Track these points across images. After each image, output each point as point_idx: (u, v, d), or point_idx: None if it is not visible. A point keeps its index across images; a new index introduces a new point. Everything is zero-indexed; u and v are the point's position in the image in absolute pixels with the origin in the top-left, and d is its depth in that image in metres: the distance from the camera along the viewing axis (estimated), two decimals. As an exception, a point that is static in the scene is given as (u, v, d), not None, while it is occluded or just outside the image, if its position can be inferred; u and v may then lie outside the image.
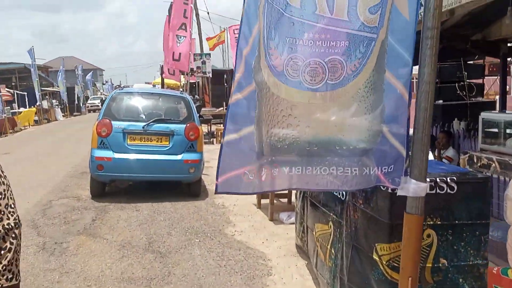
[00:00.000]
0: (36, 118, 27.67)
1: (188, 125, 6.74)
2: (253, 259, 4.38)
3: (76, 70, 40.13)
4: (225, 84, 22.97)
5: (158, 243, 4.90)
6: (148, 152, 6.56)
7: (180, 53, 14.65)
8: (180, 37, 15.19)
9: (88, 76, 45.61)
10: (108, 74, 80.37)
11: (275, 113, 2.04)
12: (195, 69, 21.00)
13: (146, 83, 45.43)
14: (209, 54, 21.12)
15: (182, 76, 21.89)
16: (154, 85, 42.78)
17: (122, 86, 7.13)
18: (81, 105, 39.44)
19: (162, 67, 27.06)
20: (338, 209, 3.24)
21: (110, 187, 7.34)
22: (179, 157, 6.63)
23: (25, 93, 28.68)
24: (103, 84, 63.02)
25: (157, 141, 6.62)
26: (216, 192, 2.17)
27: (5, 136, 19.97)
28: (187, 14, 16.29)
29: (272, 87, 2.04)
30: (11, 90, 27.12)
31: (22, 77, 32.14)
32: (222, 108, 17.65)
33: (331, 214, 3.35)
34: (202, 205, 6.52)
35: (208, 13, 22.66)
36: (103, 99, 46.78)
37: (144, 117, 6.83)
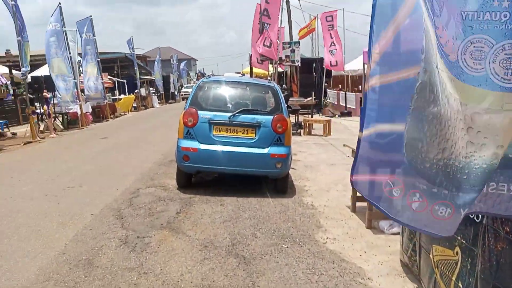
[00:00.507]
0: (135, 104, 29.21)
1: (275, 116, 6.21)
2: (350, 276, 3.73)
3: (171, 59, 41.76)
4: (314, 74, 22.19)
5: (242, 246, 4.45)
6: (233, 144, 6.16)
7: (270, 41, 14.23)
8: (265, 24, 14.74)
9: (183, 65, 47.25)
10: (200, 64, 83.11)
11: (445, 123, 1.33)
12: (283, 58, 20.52)
13: (235, 72, 45.99)
14: (299, 43, 20.43)
15: (270, 65, 21.57)
16: (243, 74, 43.26)
17: (209, 74, 6.85)
18: (176, 93, 41.01)
19: (250, 56, 27.02)
20: (470, 233, 2.47)
21: (196, 177, 7.10)
22: (265, 150, 6.14)
23: (125, 81, 30.29)
24: (197, 73, 65.16)
25: (243, 133, 6.19)
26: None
27: (106, 121, 21.21)
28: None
29: (442, 83, 1.32)
30: (113, 78, 28.84)
31: (123, 66, 34.10)
32: (310, 98, 16.95)
33: (459, 237, 2.59)
34: (289, 203, 5.98)
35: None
36: None
37: (230, 107, 6.43)
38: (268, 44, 14.47)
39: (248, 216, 5.42)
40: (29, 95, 15.01)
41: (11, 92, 24.83)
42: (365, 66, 11.71)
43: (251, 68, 26.19)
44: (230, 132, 6.18)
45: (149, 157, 9.33)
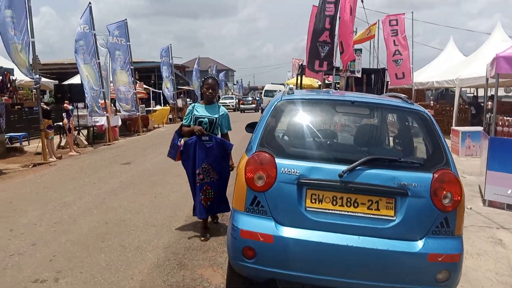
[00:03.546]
0: (171, 116, 26.53)
1: (437, 175, 2.90)
2: None
3: (209, 69, 39.15)
4: (372, 86, 18.70)
5: None
6: (349, 231, 2.88)
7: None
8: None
9: (221, 76, 44.68)
10: (237, 75, 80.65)
11: None
12: (341, 67, 17.21)
13: (271, 83, 42.92)
14: (360, 50, 16.95)
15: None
16: (287, 85, 40.11)
17: (290, 86, 4.28)
18: (213, 104, 38.25)
19: (301, 66, 23.80)
20: None
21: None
22: (417, 246, 2.84)
23: (161, 91, 27.71)
24: (234, 84, 62.68)
25: (369, 208, 2.91)
26: None
27: (138, 135, 18.45)
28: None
29: None
30: (149, 88, 26.26)
31: (160, 76, 31.65)
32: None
33: None
34: None
35: (362, 1, 18.15)
36: (240, 98, 44.68)
37: (341, 153, 3.17)
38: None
39: None
40: (45, 106, 12.30)
41: (45, 100, 22.67)
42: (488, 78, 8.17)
43: (298, 78, 23.04)
44: (343, 205, 2.91)
45: (179, 206, 6.18)
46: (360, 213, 2.90)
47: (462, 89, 17.37)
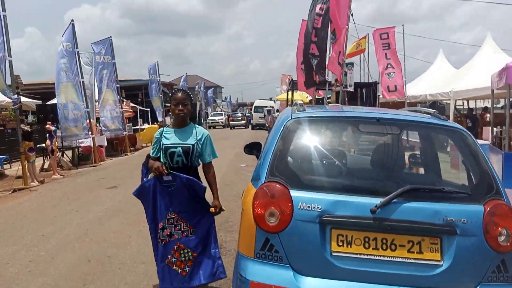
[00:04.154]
0: (158, 134, 25.80)
1: (489, 207, 2.37)
2: None
3: (197, 86, 38.69)
4: (364, 100, 18.34)
5: None
6: (387, 280, 2.32)
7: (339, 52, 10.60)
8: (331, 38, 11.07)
9: (210, 93, 44.26)
10: (225, 91, 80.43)
11: None
12: (332, 81, 16.84)
13: (260, 99, 42.52)
14: (352, 64, 16.58)
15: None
16: (276, 101, 39.71)
17: (298, 102, 3.76)
18: (202, 121, 37.77)
19: (291, 81, 23.40)
20: None
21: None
22: (470, 296, 2.29)
23: (148, 109, 27.09)
24: (223, 100, 62.34)
25: (409, 251, 2.35)
26: None
27: (125, 155, 17.72)
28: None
29: None
30: (137, 106, 25.59)
31: (148, 94, 31.03)
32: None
33: None
34: None
35: (351, 15, 17.81)
36: (229, 114, 43.58)
37: (369, 182, 2.61)
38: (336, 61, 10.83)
39: None
40: (25, 127, 11.59)
41: (29, 121, 21.83)
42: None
43: (288, 94, 22.60)
44: (377, 248, 2.35)
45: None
46: (399, 257, 2.33)
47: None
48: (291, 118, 2.78)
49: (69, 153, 14.58)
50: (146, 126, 24.31)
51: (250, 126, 37.84)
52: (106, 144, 16.32)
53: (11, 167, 13.88)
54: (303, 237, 2.39)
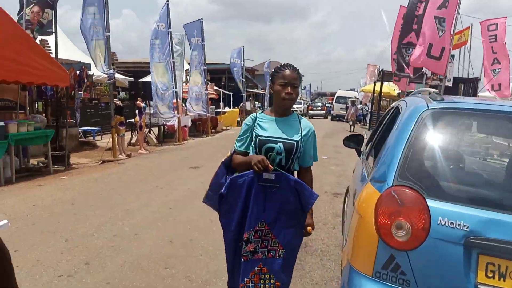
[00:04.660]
0: (239, 119, 26.05)
1: None
2: None
3: (279, 73, 38.35)
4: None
5: None
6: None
7: (442, 48, 9.55)
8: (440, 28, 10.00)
9: (290, 80, 43.72)
10: (305, 80, 79.37)
11: None
12: (428, 74, 15.51)
13: (340, 89, 41.07)
14: (453, 57, 15.19)
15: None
16: (358, 92, 38.18)
17: (436, 91, 2.89)
18: (280, 109, 37.58)
19: (381, 71, 22.15)
20: None
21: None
22: None
23: (231, 93, 27.35)
24: (302, 89, 61.63)
25: None
26: None
27: (206, 136, 18.01)
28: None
29: None
30: (219, 89, 25.97)
31: (231, 78, 31.37)
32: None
33: None
34: None
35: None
36: (309, 103, 42.98)
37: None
38: (438, 55, 9.77)
39: None
40: (117, 102, 12.09)
41: (121, 96, 23.12)
42: None
43: (381, 85, 21.38)
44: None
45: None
46: None
47: None
48: (428, 109, 2.24)
49: (155, 130, 15.06)
50: (227, 109, 24.57)
51: (329, 117, 36.81)
52: (190, 124, 16.64)
53: (102, 139, 14.69)
54: (441, 260, 1.88)
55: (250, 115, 2.61)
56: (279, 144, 2.43)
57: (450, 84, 14.51)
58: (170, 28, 15.10)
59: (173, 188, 7.25)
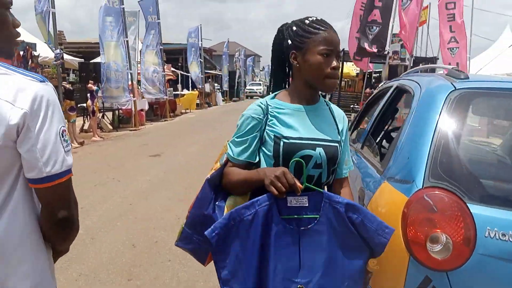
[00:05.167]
0: (198, 101, 25.21)
1: None
2: None
3: (237, 54, 37.59)
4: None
5: None
6: None
7: (406, 23, 9.36)
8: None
9: (249, 61, 43.12)
10: (263, 61, 78.78)
11: None
12: (391, 54, 15.43)
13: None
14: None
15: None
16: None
17: (455, 67, 2.73)
18: (240, 90, 36.97)
19: (342, 51, 21.94)
20: None
21: None
22: None
23: (189, 75, 26.38)
24: (261, 70, 61.10)
25: None
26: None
27: (164, 120, 17.16)
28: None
29: None
30: (177, 71, 24.95)
31: (187, 59, 30.27)
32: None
33: None
34: None
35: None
36: (268, 84, 42.33)
37: None
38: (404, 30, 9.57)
39: None
40: (67, 85, 11.08)
41: (70, 79, 21.59)
42: None
43: (342, 65, 21.10)
44: None
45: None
46: None
47: None
48: (455, 89, 1.81)
49: (109, 115, 14.09)
50: (186, 91, 23.66)
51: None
52: (147, 107, 15.77)
53: (51, 126, 13.57)
54: (490, 283, 1.48)
55: (257, 102, 1.59)
56: (318, 149, 1.50)
57: (410, 64, 14.51)
58: (123, 5, 14.02)
59: (132, 179, 6.60)
